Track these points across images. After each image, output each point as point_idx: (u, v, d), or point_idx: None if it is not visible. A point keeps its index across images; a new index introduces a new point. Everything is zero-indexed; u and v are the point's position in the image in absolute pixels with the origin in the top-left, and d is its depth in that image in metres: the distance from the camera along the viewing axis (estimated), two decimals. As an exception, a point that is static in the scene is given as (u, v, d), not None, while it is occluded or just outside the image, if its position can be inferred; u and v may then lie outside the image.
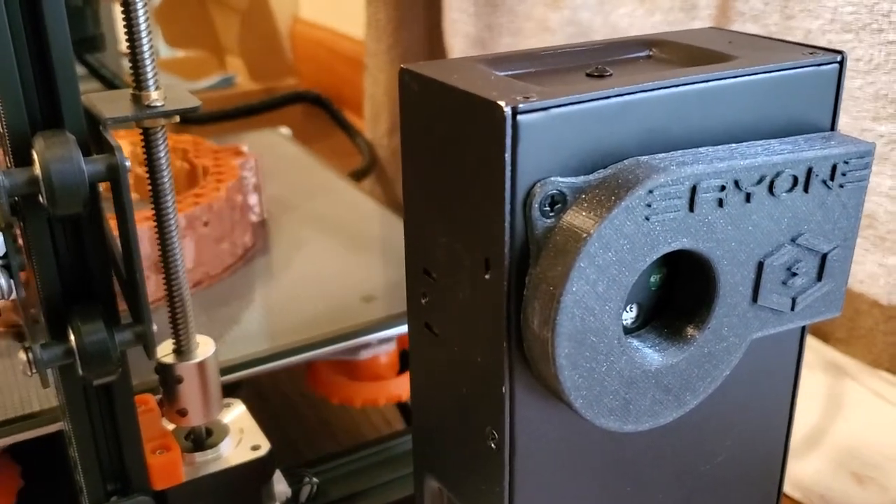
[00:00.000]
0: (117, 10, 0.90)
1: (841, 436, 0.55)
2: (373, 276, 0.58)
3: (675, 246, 0.26)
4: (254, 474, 0.42)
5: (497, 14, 0.86)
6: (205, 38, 1.31)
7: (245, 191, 0.63)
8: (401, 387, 0.55)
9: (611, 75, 0.28)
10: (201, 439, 0.42)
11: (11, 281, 0.34)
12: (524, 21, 0.84)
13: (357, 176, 1.00)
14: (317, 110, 1.15)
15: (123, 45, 0.96)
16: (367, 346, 0.53)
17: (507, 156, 0.24)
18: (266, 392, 0.75)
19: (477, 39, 0.87)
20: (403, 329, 0.51)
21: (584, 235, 0.24)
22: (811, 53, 0.29)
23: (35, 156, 0.31)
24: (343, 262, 0.61)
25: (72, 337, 0.33)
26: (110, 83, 0.73)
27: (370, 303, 0.54)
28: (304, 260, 0.61)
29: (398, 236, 0.64)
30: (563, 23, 0.79)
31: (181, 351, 0.39)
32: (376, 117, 1.06)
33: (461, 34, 0.88)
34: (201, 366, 0.39)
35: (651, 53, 0.31)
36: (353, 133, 1.05)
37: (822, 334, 0.67)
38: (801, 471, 0.52)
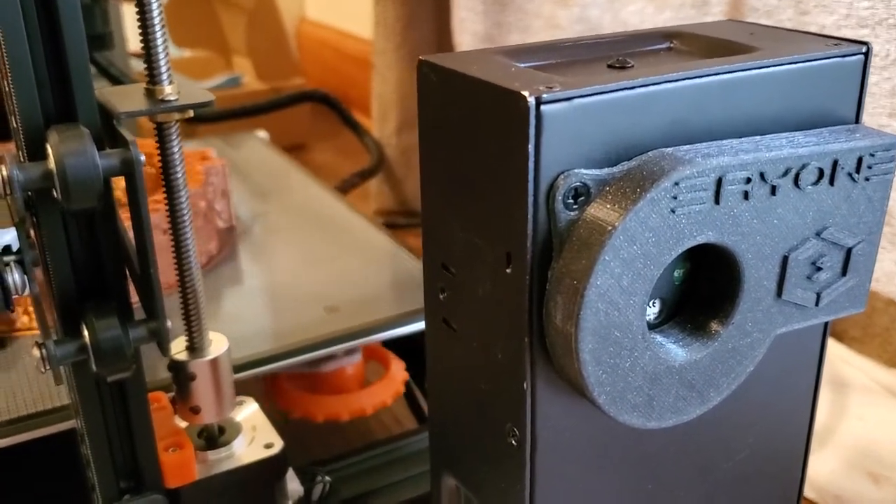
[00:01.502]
0: (125, 8, 0.89)
1: (856, 435, 0.55)
2: (339, 286, 0.56)
3: (700, 239, 0.25)
4: (267, 472, 0.41)
5: (506, 12, 0.85)
6: (211, 37, 1.31)
7: (210, 197, 0.60)
8: (366, 400, 0.53)
9: (632, 66, 0.28)
10: (214, 437, 0.42)
11: (25, 276, 0.33)
12: (533, 18, 0.84)
13: (365, 175, 0.99)
14: (324, 109, 1.15)
15: (132, 44, 0.95)
16: (330, 358, 0.51)
17: (531, 147, 0.24)
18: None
19: (486, 37, 0.87)
20: (369, 340, 0.50)
21: (609, 228, 0.24)
22: (835, 45, 0.28)
23: (49, 150, 0.30)
24: (310, 270, 0.59)
25: (85, 333, 0.33)
26: (118, 81, 0.73)
27: (334, 314, 0.52)
28: (270, 268, 0.59)
29: (371, 245, 0.63)
30: (572, 20, 0.79)
31: (194, 348, 0.38)
32: (384, 116, 1.06)
33: (470, 32, 0.87)
34: (214, 363, 0.38)
35: (672, 45, 0.31)
36: (361, 132, 1.05)
37: (837, 333, 0.66)
38: (816, 470, 0.52)
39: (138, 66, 1.06)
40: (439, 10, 1.00)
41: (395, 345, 0.59)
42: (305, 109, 1.27)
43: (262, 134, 0.88)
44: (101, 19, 0.65)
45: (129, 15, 1.00)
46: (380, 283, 0.57)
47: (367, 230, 0.66)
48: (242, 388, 0.51)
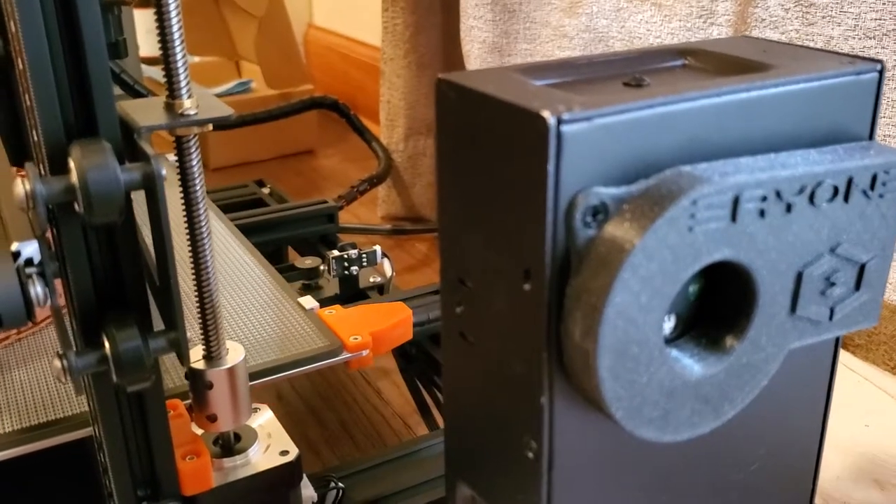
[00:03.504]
0: (136, 15, 0.90)
1: (862, 442, 0.55)
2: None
3: (716, 257, 0.26)
4: (282, 480, 0.42)
5: (514, 20, 0.86)
6: (221, 44, 1.31)
7: None
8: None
9: (648, 85, 0.28)
10: (229, 444, 0.42)
11: (47, 288, 0.34)
12: (541, 27, 0.84)
13: (374, 181, 1.00)
14: (331, 115, 1.16)
15: (142, 49, 0.95)
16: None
17: (551, 167, 0.24)
18: (286, 395, 0.75)
19: (494, 46, 0.87)
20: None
21: (628, 247, 0.24)
22: (850, 62, 0.29)
23: (72, 164, 0.31)
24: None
25: (106, 344, 0.33)
26: (131, 88, 0.73)
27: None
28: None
29: (246, 283, 0.57)
30: (579, 29, 0.79)
31: (211, 357, 0.39)
32: (392, 122, 1.06)
33: (478, 40, 0.88)
34: (231, 371, 0.39)
35: (686, 62, 0.31)
36: (370, 139, 1.06)
37: (843, 340, 0.66)
38: (822, 477, 0.52)
39: (148, 70, 1.06)
40: (448, 18, 1.01)
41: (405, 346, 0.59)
42: (313, 115, 1.28)
43: (171, 157, 0.84)
44: (115, 27, 0.65)
45: (140, 20, 1.00)
46: (248, 327, 0.52)
47: (252, 269, 0.60)
48: (303, 379, 0.47)
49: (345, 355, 0.50)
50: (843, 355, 0.65)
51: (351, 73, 1.51)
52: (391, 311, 0.55)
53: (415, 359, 0.69)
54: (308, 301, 0.55)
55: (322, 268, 0.70)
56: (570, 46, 0.80)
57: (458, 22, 0.91)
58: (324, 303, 0.69)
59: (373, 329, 0.51)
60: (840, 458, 0.54)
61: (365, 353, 0.50)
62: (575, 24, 0.79)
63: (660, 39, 0.73)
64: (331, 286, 0.70)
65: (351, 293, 0.70)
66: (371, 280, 0.71)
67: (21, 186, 0.30)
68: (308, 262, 0.71)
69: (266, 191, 0.93)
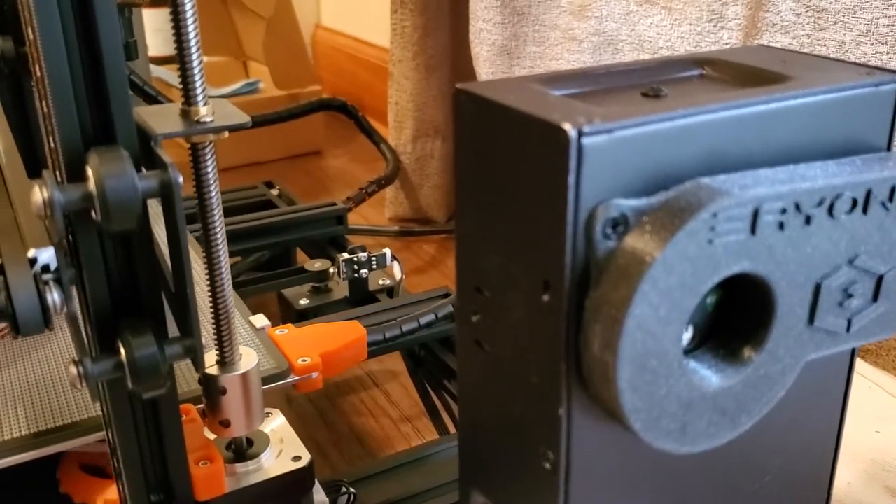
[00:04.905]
0: (145, 15, 0.90)
1: (873, 449, 0.55)
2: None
3: (736, 269, 0.26)
4: (295, 485, 0.42)
5: (523, 23, 0.86)
6: (229, 44, 1.31)
7: None
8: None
9: (667, 95, 0.28)
10: (242, 449, 0.42)
11: (63, 295, 0.34)
12: (550, 30, 0.84)
13: (382, 183, 1.00)
14: (339, 116, 1.16)
15: (150, 50, 0.96)
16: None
17: (571, 178, 0.24)
18: (294, 396, 0.75)
19: (503, 48, 0.87)
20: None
21: (648, 259, 0.24)
22: (868, 73, 0.29)
23: (89, 171, 0.31)
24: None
25: (121, 351, 0.33)
26: (140, 90, 0.74)
27: None
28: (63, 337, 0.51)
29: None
30: (588, 32, 0.79)
31: (225, 362, 0.39)
32: (400, 124, 1.06)
33: (487, 43, 0.88)
34: (245, 377, 0.39)
35: (703, 72, 0.31)
36: (378, 140, 1.06)
37: (853, 346, 0.66)
38: (833, 484, 0.52)
39: (156, 70, 1.06)
40: (456, 21, 1.01)
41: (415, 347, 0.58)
42: (320, 116, 1.28)
43: None
44: (125, 29, 0.65)
45: (147, 19, 1.01)
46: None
47: (204, 281, 0.55)
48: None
49: (291, 378, 0.47)
50: (857, 362, 0.65)
51: (358, 73, 1.51)
52: (344, 331, 0.53)
53: (423, 361, 0.69)
54: (259, 319, 0.53)
55: (332, 270, 0.70)
56: (579, 50, 0.80)
57: (467, 24, 0.91)
58: (334, 306, 0.69)
59: (323, 350, 0.49)
60: (851, 465, 0.54)
61: (314, 375, 0.48)
62: (584, 28, 0.79)
63: (669, 43, 0.73)
64: (340, 289, 0.70)
65: (360, 296, 0.70)
66: (380, 283, 0.71)
67: (39, 194, 0.30)
68: (317, 264, 0.71)
69: (275, 192, 0.93)
